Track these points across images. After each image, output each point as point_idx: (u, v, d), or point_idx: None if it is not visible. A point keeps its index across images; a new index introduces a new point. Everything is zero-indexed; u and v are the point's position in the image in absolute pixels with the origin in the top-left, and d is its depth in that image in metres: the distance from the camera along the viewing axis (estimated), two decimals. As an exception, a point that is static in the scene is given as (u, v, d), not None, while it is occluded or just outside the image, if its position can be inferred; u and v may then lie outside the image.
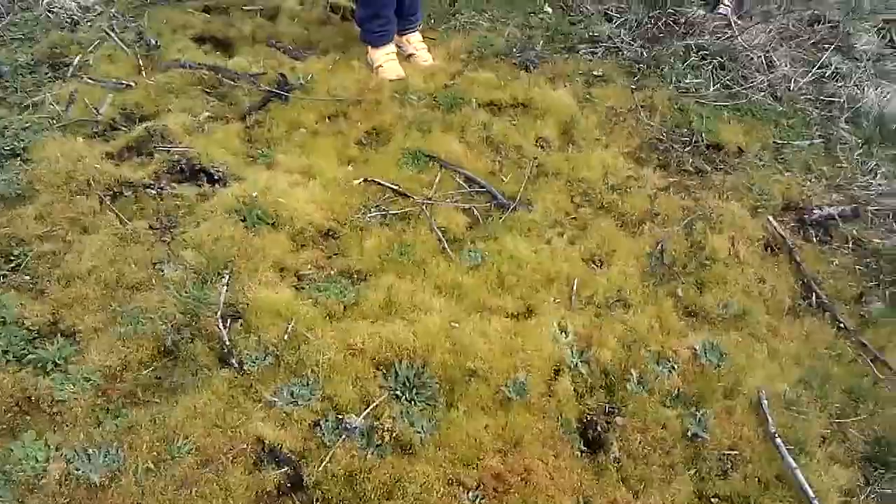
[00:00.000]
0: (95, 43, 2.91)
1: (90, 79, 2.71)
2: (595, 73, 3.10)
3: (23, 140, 2.41)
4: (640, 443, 1.84)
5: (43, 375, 1.79)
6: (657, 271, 2.29)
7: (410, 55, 3.03)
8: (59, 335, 1.89)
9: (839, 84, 3.23)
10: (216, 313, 1.93)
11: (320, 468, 1.66)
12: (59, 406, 1.75)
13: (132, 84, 2.71)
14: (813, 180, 2.76)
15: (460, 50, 3.16)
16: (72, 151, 2.36)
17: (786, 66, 3.24)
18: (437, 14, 3.40)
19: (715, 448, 1.86)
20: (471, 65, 3.07)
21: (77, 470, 1.61)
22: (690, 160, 2.75)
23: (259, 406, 1.78)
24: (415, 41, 3.04)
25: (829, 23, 3.69)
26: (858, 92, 3.16)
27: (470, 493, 1.68)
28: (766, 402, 1.95)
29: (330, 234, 2.30)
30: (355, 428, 1.74)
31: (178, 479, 1.61)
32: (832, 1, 3.92)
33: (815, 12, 3.73)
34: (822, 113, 3.07)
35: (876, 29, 3.83)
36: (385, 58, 2.92)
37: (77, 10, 3.04)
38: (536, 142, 2.72)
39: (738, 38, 3.29)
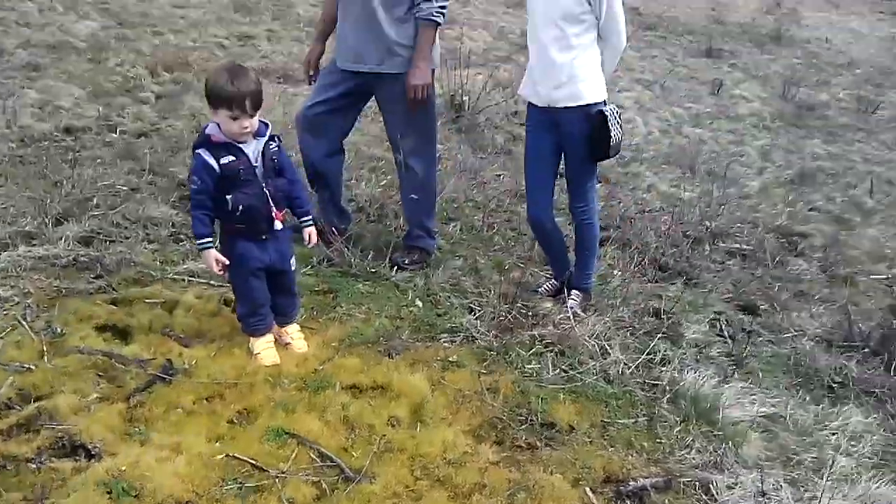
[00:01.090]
0: (7, 330, 3.31)
1: (-5, 363, 3.09)
2: (450, 359, 3.56)
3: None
4: None
5: None
6: (478, 537, 2.60)
7: (287, 344, 3.47)
8: None
9: (664, 368, 3.73)
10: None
11: None
12: None
13: (33, 367, 3.08)
14: (634, 455, 3.15)
15: (334, 338, 3.62)
16: (-36, 429, 2.68)
17: (618, 352, 3.76)
18: (319, 307, 3.90)
19: None
20: (341, 351, 3.51)
21: None
22: (524, 437, 3.13)
23: None
24: (292, 331, 3.50)
25: (664, 315, 4.30)
26: (678, 374, 3.66)
27: None
28: None
29: (188, 504, 2.59)
30: None
31: None
32: (671, 295, 4.58)
33: (652, 305, 4.35)
34: (647, 394, 3.54)
35: (708, 320, 4.45)
36: (263, 346, 3.37)
37: (-4, 301, 3.48)
38: (388, 420, 3.10)
39: (576, 328, 3.83)
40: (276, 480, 2.70)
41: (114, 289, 3.79)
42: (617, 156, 4.28)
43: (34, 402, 2.92)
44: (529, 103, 4.15)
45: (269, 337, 3.42)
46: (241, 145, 3.09)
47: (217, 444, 2.89)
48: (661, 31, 14.57)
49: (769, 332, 4.46)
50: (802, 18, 19.23)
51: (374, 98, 4.46)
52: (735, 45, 14.61)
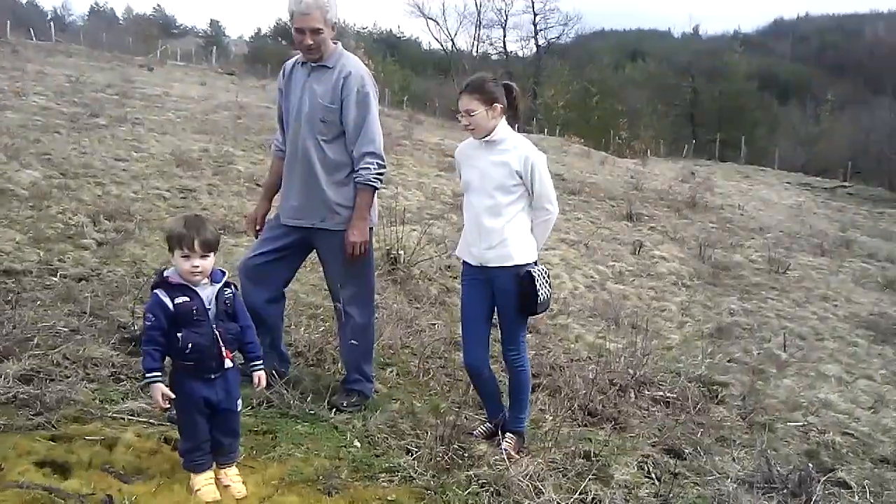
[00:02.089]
0: (-58, 466, 3.28)
1: (-71, 499, 3.05)
2: (388, 498, 3.63)
3: None
4: None
5: None
6: None
7: (227, 486, 3.49)
8: None
9: (593, 508, 3.86)
10: None
11: None
12: None
13: (-32, 503, 3.05)
14: (568, 590, 3.23)
15: (274, 477, 3.66)
16: None
17: (552, 492, 3.88)
18: (258, 446, 3.95)
19: None
20: (280, 489, 3.55)
21: None
22: (462, 572, 3.20)
23: None
24: (231, 475, 3.52)
25: (594, 457, 4.46)
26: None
27: None
28: None
29: None
30: None
31: None
32: (600, 438, 4.76)
33: (582, 448, 4.51)
34: (580, 532, 3.65)
35: (636, 462, 4.62)
36: (203, 482, 3.39)
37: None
38: (328, 556, 3.14)
39: (510, 469, 3.95)
40: None
41: (53, 426, 3.79)
42: (546, 311, 4.55)
43: (-30, 537, 2.89)
44: (464, 262, 4.44)
45: (210, 473, 3.46)
46: (196, 288, 3.29)
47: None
48: (583, 196, 15.45)
49: (694, 474, 4.63)
50: (715, 187, 20.60)
51: (314, 251, 4.70)
52: (653, 209, 15.52)
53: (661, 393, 5.90)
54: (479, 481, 3.89)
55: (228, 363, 3.38)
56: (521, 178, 4.15)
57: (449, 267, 8.38)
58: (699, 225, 14.75)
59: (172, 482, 3.46)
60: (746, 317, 9.06)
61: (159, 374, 3.28)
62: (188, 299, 3.25)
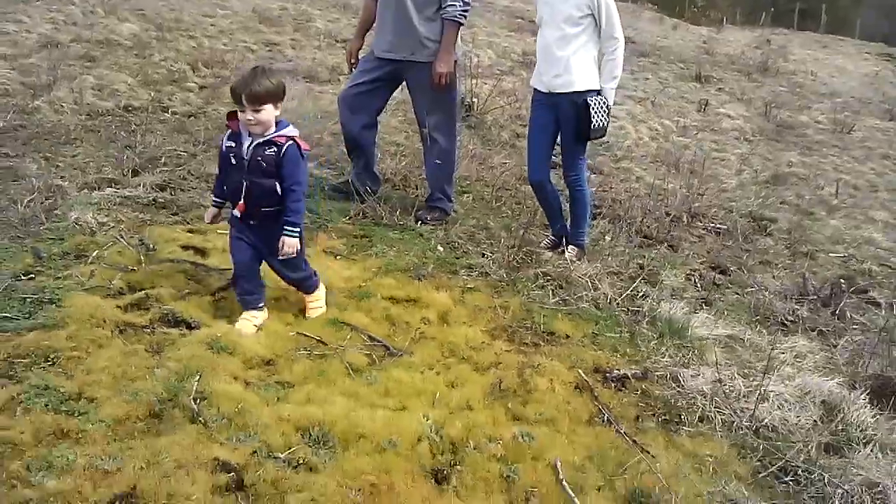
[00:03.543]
0: (109, 244, 4.05)
1: (105, 264, 3.83)
2: (468, 286, 4.31)
3: (57, 294, 3.46)
4: (472, 479, 2.79)
5: (73, 418, 2.71)
6: (496, 392, 3.34)
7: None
8: (83, 399, 2.83)
9: (644, 301, 4.49)
10: (190, 395, 2.91)
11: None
12: (84, 434, 2.65)
13: (135, 269, 3.82)
14: (618, 356, 3.88)
15: (373, 266, 4.37)
16: (92, 303, 3.41)
17: (607, 288, 4.52)
18: (357, 246, 4.65)
19: (522, 486, 2.81)
20: (379, 275, 4.26)
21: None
22: (530, 338, 3.89)
23: (216, 444, 2.71)
24: (308, 299, 3.83)
25: (646, 267, 5.06)
26: (656, 305, 4.41)
27: (352, 493, 2.60)
28: (559, 462, 2.93)
29: (270, 362, 3.32)
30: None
31: (161, 473, 2.51)
32: (653, 255, 5.35)
33: (636, 261, 5.11)
34: (630, 317, 4.29)
35: (684, 274, 5.21)
36: (243, 318, 3.53)
37: (96, 224, 4.22)
38: (421, 320, 3.85)
39: (572, 269, 4.60)
40: (337, 351, 3.44)
41: (188, 222, 4.54)
42: (601, 138, 5.06)
43: (140, 290, 3.66)
44: (535, 89, 4.96)
45: (255, 313, 3.59)
46: (244, 137, 3.39)
47: (286, 326, 3.63)
48: (653, 59, 15.49)
49: (736, 286, 5.22)
50: (790, 54, 20.19)
51: (403, 84, 5.26)
52: (723, 73, 15.52)
53: (712, 224, 6.44)
54: (546, 277, 4.55)
55: (237, 212, 3.45)
56: (589, 10, 4.60)
57: (518, 116, 8.84)
58: (768, 88, 14.77)
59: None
60: (804, 168, 9.39)
61: (216, 199, 3.67)
62: (233, 145, 3.41)
